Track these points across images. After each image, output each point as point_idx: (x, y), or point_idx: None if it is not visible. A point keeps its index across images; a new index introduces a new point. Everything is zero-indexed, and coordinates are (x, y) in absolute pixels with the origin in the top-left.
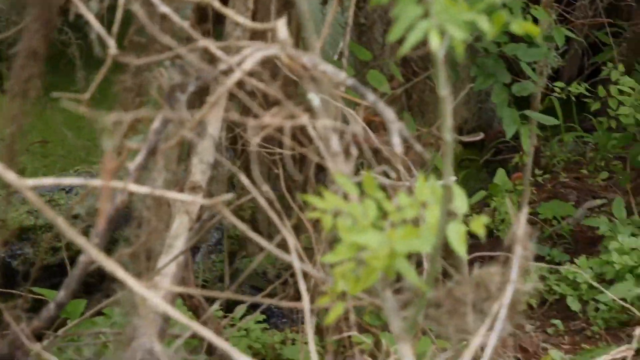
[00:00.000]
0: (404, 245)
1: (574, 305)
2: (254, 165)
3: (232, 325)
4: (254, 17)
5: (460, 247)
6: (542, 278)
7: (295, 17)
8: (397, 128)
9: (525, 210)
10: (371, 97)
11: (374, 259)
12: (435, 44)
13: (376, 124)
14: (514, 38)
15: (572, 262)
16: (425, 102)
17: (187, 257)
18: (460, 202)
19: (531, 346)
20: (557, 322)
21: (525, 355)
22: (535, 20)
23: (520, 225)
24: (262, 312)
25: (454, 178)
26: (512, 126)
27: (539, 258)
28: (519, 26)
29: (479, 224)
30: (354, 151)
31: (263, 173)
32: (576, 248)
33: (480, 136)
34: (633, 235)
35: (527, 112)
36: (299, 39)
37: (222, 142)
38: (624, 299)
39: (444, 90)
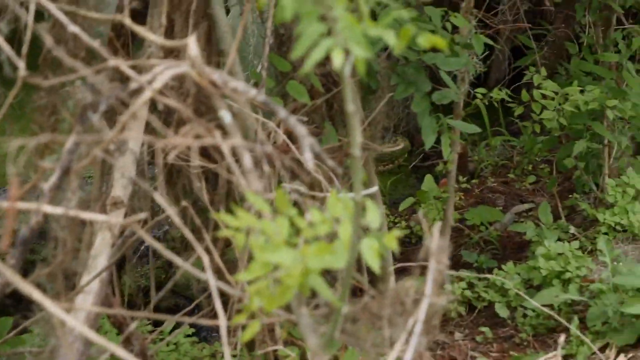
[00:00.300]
0: (317, 262)
1: (502, 312)
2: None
3: (162, 339)
4: (172, 30)
5: (373, 262)
6: (471, 285)
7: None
8: (308, 143)
9: (439, 223)
10: (282, 112)
11: (288, 276)
12: (339, 62)
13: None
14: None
15: (500, 268)
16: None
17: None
18: (373, 216)
19: (460, 355)
20: (485, 329)
21: None
22: (455, 28)
23: (434, 239)
24: (192, 325)
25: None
26: (431, 135)
27: (467, 265)
28: (426, 40)
29: (392, 238)
30: (267, 167)
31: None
32: (504, 254)
33: (399, 146)
34: (560, 240)
35: (449, 121)
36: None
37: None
38: (551, 305)
39: (350, 106)
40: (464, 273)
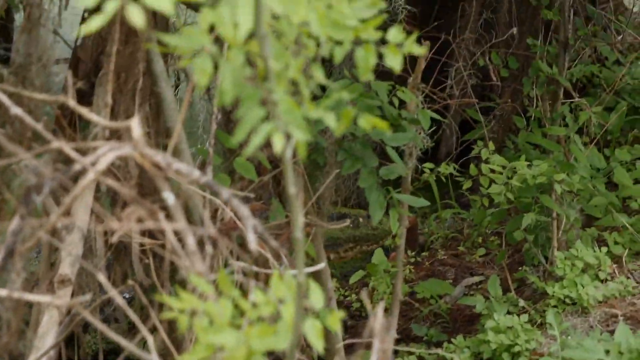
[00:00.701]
0: (261, 344)
1: None
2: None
3: None
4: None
5: (317, 343)
6: (421, 359)
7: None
8: (251, 224)
9: (383, 303)
10: (225, 194)
11: (232, 358)
12: (279, 147)
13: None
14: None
15: (450, 341)
16: None
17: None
18: (316, 297)
19: None
20: None
21: None
22: (403, 102)
23: (378, 318)
24: None
25: (322, 264)
26: (379, 210)
27: (417, 338)
28: (367, 122)
29: (335, 319)
30: (211, 248)
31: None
32: (455, 327)
33: (346, 222)
34: (509, 313)
35: (396, 195)
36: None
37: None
38: None
39: (292, 189)
40: (414, 347)
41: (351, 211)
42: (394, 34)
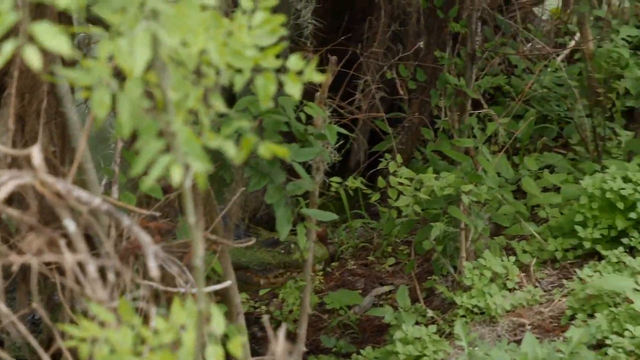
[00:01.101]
0: None
1: None
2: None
3: None
4: (23, 129)
5: None
6: None
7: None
8: (152, 251)
9: (284, 327)
10: (126, 221)
11: None
12: (178, 179)
13: (151, 229)
14: (289, 135)
15: (359, 352)
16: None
17: None
18: (218, 323)
19: None
20: None
21: None
22: (310, 117)
23: (279, 343)
24: None
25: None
26: (287, 226)
27: (326, 350)
28: (267, 150)
29: (237, 344)
30: (112, 276)
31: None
32: (364, 337)
33: (252, 241)
34: (418, 323)
35: (304, 210)
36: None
37: None
38: None
39: (191, 218)
40: (323, 359)
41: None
42: (294, 61)
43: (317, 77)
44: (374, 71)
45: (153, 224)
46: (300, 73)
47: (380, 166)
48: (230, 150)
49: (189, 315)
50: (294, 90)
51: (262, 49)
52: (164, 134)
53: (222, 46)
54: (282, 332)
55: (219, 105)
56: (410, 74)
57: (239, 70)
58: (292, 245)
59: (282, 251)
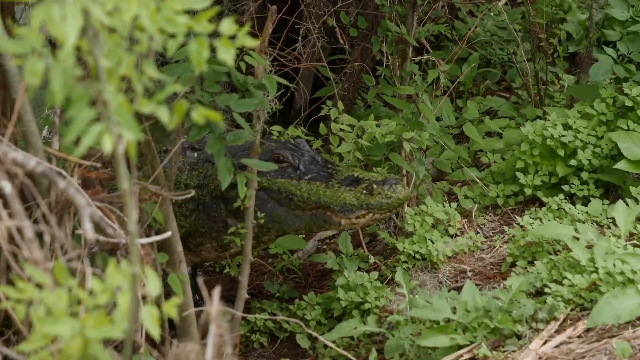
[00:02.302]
0: (97, 333)
1: (304, 342)
2: None
3: None
4: None
5: (154, 330)
6: (273, 315)
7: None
8: (87, 214)
9: (219, 289)
10: (61, 183)
11: (68, 347)
12: (109, 147)
13: (91, 179)
14: (230, 85)
15: (301, 298)
16: (140, 153)
17: None
18: (152, 285)
19: None
20: None
21: None
22: (251, 67)
23: (214, 304)
24: None
25: (168, 233)
26: (227, 176)
27: (269, 295)
28: (200, 115)
29: (171, 306)
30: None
31: None
32: (307, 282)
33: (190, 193)
34: (360, 269)
35: (244, 160)
36: None
37: None
38: (351, 337)
39: (124, 184)
40: (265, 304)
41: None
42: (226, 26)
43: (250, 42)
44: (315, 19)
45: (94, 173)
46: (233, 37)
47: (322, 113)
48: (164, 116)
49: (124, 277)
50: (227, 55)
51: (195, 13)
52: (96, 104)
53: (155, 12)
54: (216, 294)
55: (152, 71)
56: (351, 21)
57: (173, 36)
58: (375, 186)
59: (365, 191)
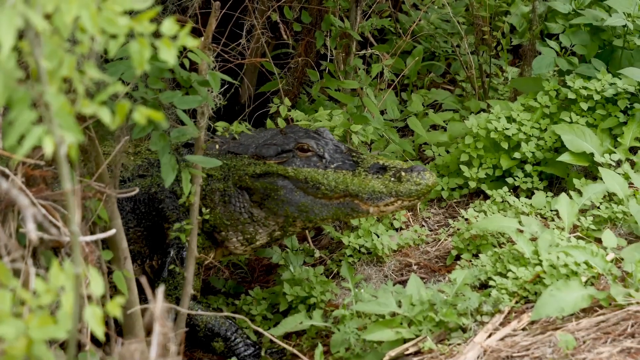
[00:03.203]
0: (41, 333)
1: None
2: None
3: None
4: None
5: (98, 329)
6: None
7: None
8: (30, 214)
9: (162, 288)
10: (4, 184)
11: (12, 348)
12: (49, 150)
13: (35, 177)
14: (175, 81)
15: (247, 293)
16: (84, 150)
17: None
18: (96, 285)
19: None
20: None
21: None
22: (194, 63)
23: (158, 302)
24: None
25: (113, 231)
26: (171, 173)
27: (215, 290)
28: (141, 115)
29: (115, 305)
30: None
31: None
32: (253, 277)
33: (135, 190)
34: (305, 263)
35: (188, 157)
36: None
37: None
38: (297, 332)
39: (67, 185)
40: (212, 300)
41: None
42: (167, 26)
43: (191, 42)
44: (259, 14)
45: (38, 172)
46: (174, 38)
47: (272, 111)
48: (105, 117)
49: (67, 277)
50: (168, 55)
51: (137, 13)
52: (37, 106)
53: (96, 13)
54: (160, 292)
55: (93, 72)
56: (295, 16)
57: (114, 36)
58: (403, 173)
59: (393, 178)
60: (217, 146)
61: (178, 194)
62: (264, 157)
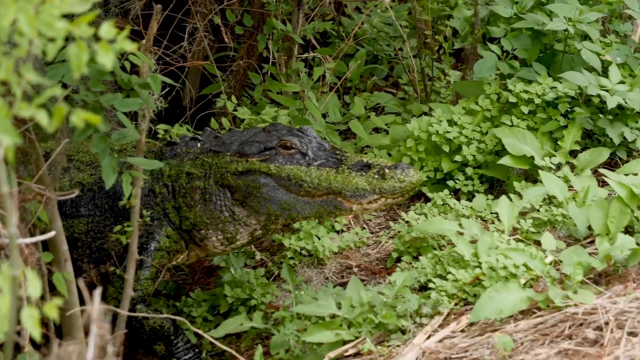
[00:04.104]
0: None
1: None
2: None
3: None
4: None
5: (35, 331)
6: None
7: None
8: None
9: (100, 289)
10: None
11: None
12: None
13: None
14: (117, 84)
15: (188, 295)
16: (24, 152)
17: None
18: (34, 287)
19: None
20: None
21: None
22: (135, 66)
23: (95, 305)
24: None
25: (52, 233)
26: (112, 175)
27: (156, 292)
28: (79, 118)
29: (52, 307)
30: None
31: None
32: (194, 279)
33: (75, 193)
34: (246, 265)
35: (129, 159)
36: None
37: None
38: (237, 333)
39: (4, 187)
40: (153, 301)
41: None
42: (106, 30)
43: (130, 46)
44: (201, 17)
45: None
46: (112, 41)
47: (218, 105)
48: (43, 120)
49: (5, 279)
50: (106, 59)
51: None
52: None
53: (34, 17)
54: (97, 294)
55: (31, 75)
56: (237, 19)
57: (52, 40)
58: (387, 170)
59: (376, 176)
60: (198, 144)
61: (156, 193)
62: (247, 154)
